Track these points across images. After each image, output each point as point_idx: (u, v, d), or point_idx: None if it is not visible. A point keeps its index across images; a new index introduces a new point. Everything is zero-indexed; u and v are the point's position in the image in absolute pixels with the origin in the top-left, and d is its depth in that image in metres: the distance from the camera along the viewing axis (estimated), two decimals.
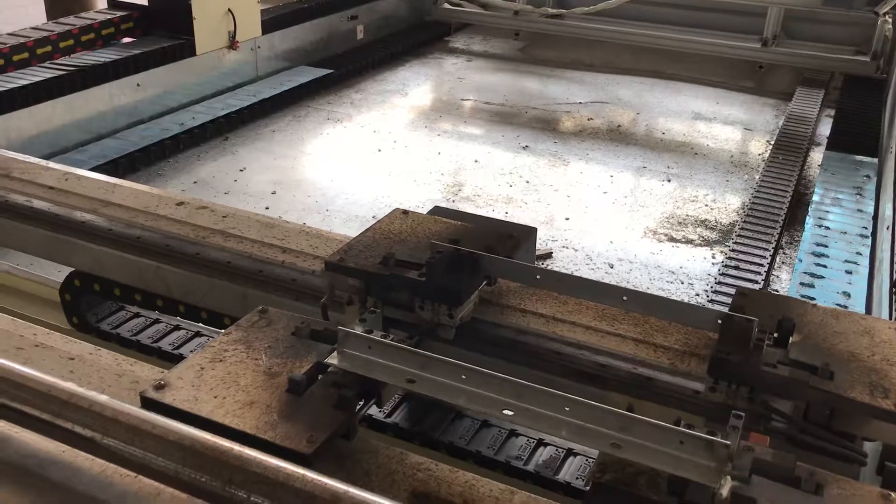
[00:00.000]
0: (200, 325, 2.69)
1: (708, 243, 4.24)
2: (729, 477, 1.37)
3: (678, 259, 4.06)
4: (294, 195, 4.63)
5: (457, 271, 2.04)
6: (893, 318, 2.61)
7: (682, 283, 3.84)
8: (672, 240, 4.26)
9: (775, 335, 1.82)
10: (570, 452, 2.35)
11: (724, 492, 1.35)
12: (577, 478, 2.27)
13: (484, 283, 2.14)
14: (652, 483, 1.47)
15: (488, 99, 6.53)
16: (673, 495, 1.40)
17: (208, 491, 1.22)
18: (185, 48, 5.52)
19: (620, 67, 7.36)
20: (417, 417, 2.43)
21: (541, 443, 2.38)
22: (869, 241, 3.86)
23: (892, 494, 1.40)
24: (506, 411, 1.55)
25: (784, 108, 6.37)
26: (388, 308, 2.07)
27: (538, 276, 2.04)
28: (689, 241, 4.25)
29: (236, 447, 1.26)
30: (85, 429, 1.32)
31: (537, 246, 4.19)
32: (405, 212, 2.37)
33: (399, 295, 2.05)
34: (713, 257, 4.07)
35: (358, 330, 1.68)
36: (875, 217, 4.09)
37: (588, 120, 6.12)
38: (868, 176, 4.70)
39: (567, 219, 4.50)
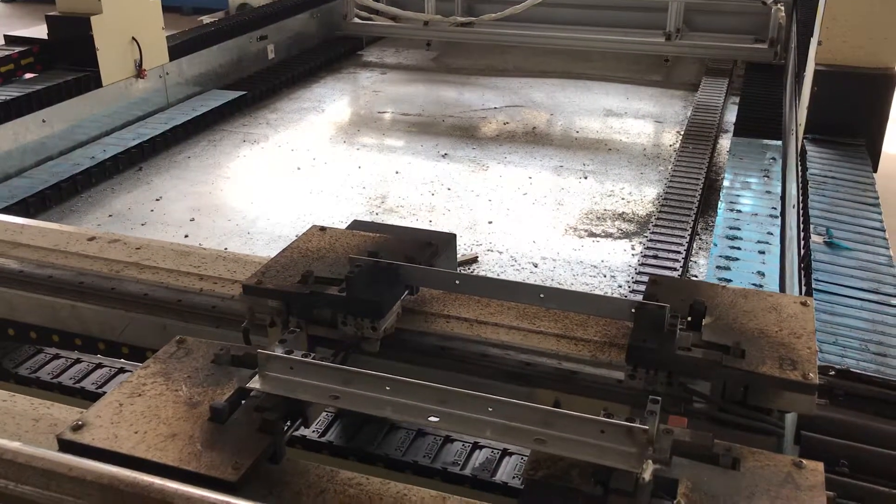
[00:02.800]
0: (123, 360, 2.63)
1: (627, 235, 4.34)
2: (650, 461, 1.41)
3: (599, 253, 4.14)
4: (214, 221, 4.57)
5: (377, 283, 2.04)
6: (803, 292, 2.72)
7: (605, 276, 3.92)
8: (592, 235, 4.35)
9: (689, 319, 1.88)
10: (505, 453, 2.37)
11: (647, 475, 1.39)
12: (513, 477, 2.29)
13: (405, 292, 2.15)
14: (584, 474, 1.50)
15: (405, 110, 6.56)
16: (599, 484, 1.44)
17: None
18: (91, 80, 5.39)
19: (532, 70, 7.48)
20: (352, 433, 2.42)
21: (476, 446, 2.40)
22: (779, 221, 4.00)
23: (804, 461, 1.46)
24: (431, 418, 1.57)
25: (691, 98, 6.56)
26: (312, 326, 2.06)
27: (457, 282, 2.06)
28: (609, 235, 4.35)
29: (157, 481, 1.24)
30: None
31: (462, 251, 4.24)
32: (322, 228, 2.37)
33: (321, 312, 2.05)
34: (633, 249, 4.17)
35: (278, 351, 1.67)
36: (783, 197, 4.25)
37: (504, 124, 6.20)
38: (774, 158, 4.88)
39: (490, 222, 4.54)
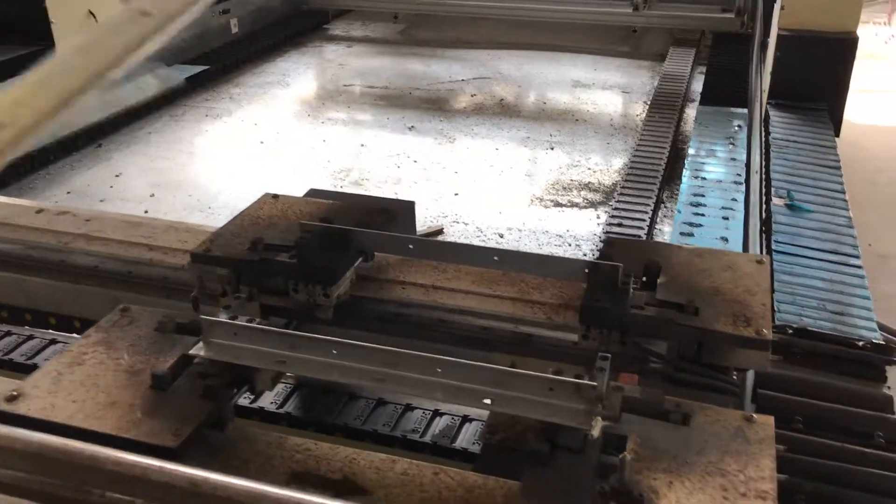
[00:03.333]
0: (75, 335, 2.58)
1: (592, 205, 4.32)
2: (599, 417, 1.39)
3: (565, 223, 4.12)
4: (174, 196, 4.49)
5: (329, 250, 2.00)
6: (763, 253, 2.72)
7: (570, 245, 3.90)
8: (558, 205, 4.33)
9: (643, 279, 1.86)
10: (465, 419, 2.36)
11: (595, 432, 1.37)
12: (473, 443, 2.28)
13: (360, 259, 2.11)
14: (540, 435, 1.48)
15: (372, 83, 6.48)
16: (546, 441, 1.42)
17: (60, 496, 1.16)
18: (45, 55, 5.25)
19: (500, 42, 7.41)
20: (310, 405, 2.40)
21: (437, 413, 2.39)
22: (743, 188, 4.00)
23: (754, 416, 1.45)
24: (381, 381, 1.54)
25: (659, 68, 6.53)
26: (263, 295, 2.02)
27: (411, 246, 2.03)
28: (575, 205, 4.33)
29: (88, 447, 1.20)
30: None
31: (428, 223, 4.20)
32: (275, 196, 2.32)
33: (272, 280, 2.00)
34: (598, 218, 4.15)
35: (222, 317, 1.63)
36: (748, 164, 4.25)
37: (472, 96, 6.14)
38: (739, 126, 4.87)
39: (456, 194, 4.51)
